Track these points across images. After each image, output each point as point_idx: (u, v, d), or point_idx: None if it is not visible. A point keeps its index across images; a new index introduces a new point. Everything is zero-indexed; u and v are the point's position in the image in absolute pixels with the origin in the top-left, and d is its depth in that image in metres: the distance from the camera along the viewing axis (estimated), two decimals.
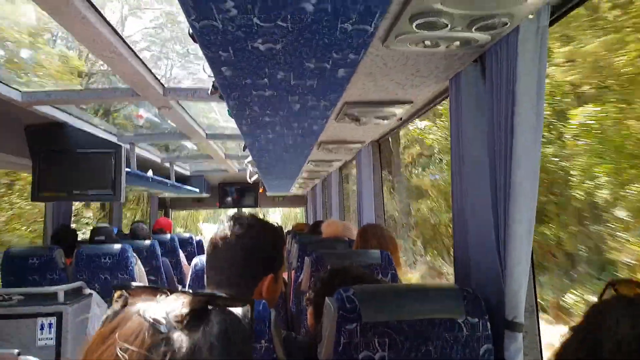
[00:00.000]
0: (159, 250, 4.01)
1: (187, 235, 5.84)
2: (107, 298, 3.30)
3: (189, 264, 5.14)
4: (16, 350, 1.81)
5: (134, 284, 0.53)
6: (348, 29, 1.02)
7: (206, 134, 3.95)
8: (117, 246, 3.44)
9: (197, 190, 6.31)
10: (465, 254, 1.42)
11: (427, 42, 1.13)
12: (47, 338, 2.82)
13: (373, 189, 2.84)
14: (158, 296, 0.51)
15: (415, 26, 1.02)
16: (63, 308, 2.84)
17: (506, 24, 1.00)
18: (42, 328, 2.82)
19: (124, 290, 0.52)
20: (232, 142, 4.51)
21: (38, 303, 2.85)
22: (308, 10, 0.95)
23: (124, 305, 0.50)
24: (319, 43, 1.12)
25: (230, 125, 4.28)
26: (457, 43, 1.14)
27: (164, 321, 0.46)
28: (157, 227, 5.16)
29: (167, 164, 5.18)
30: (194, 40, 1.37)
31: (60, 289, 2.89)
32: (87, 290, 3.17)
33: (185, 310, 0.48)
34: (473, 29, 1.03)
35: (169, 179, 5.03)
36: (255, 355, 1.04)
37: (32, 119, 2.84)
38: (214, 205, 7.41)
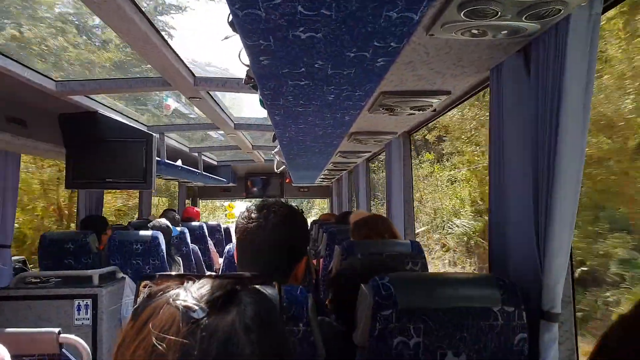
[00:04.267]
0: (188, 238, 4.09)
1: (215, 223, 5.93)
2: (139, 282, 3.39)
3: (217, 251, 5.28)
4: (57, 329, 1.87)
5: (158, 274, 0.52)
6: (393, 17, 1.01)
7: (234, 124, 3.99)
8: (148, 233, 3.53)
9: (225, 180, 6.38)
10: (502, 244, 1.41)
11: (474, 31, 1.10)
12: (83, 318, 2.93)
13: (403, 181, 2.82)
14: (185, 283, 0.51)
15: (464, 14, 1.00)
16: (98, 290, 2.95)
17: (559, 11, 0.97)
18: (78, 309, 2.93)
19: (148, 281, 0.52)
20: (260, 132, 4.54)
21: (74, 285, 2.97)
22: None
23: (151, 295, 0.50)
24: (361, 31, 1.11)
25: (257, 115, 4.31)
26: (505, 32, 1.11)
27: (196, 307, 0.46)
28: (187, 215, 5.26)
29: (195, 154, 5.25)
30: (233, 29, 1.38)
31: (96, 273, 3.00)
32: (120, 274, 3.27)
33: (217, 293, 0.49)
34: (523, 18, 1.01)
35: (197, 168, 5.10)
36: (293, 338, 1.06)
37: (66, 107, 2.91)
38: (240, 195, 7.48)
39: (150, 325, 0.46)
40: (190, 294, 0.48)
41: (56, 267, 3.44)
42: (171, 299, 0.48)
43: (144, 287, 0.51)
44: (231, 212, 14.35)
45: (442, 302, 1.17)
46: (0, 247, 2.84)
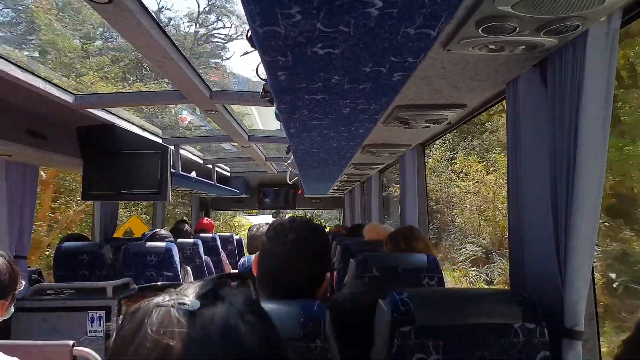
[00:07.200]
0: (202, 250, 4.10)
1: (227, 234, 5.95)
2: None
3: (230, 263, 5.28)
4: (71, 342, 1.88)
5: (138, 287, 0.55)
6: (410, 33, 1.02)
7: (248, 136, 4.01)
8: (162, 244, 3.54)
9: (238, 191, 6.41)
10: (521, 260, 1.39)
11: (492, 47, 1.11)
12: (96, 330, 2.93)
13: (417, 192, 2.81)
14: (166, 290, 0.53)
15: (482, 30, 1.00)
16: (112, 302, 2.94)
17: (577, 27, 0.97)
18: (92, 321, 2.93)
19: (127, 299, 0.54)
20: (273, 144, 4.57)
21: (88, 297, 2.97)
22: (372, 15, 0.95)
23: (136, 307, 0.51)
24: (379, 47, 1.11)
25: (270, 128, 4.34)
26: (522, 47, 1.11)
27: (189, 302, 0.49)
28: (200, 227, 5.27)
29: (209, 165, 5.29)
30: (252, 45, 1.40)
31: (109, 285, 2.99)
32: (134, 286, 3.27)
33: (205, 288, 0.52)
34: (541, 33, 1.01)
35: (211, 179, 5.13)
36: (310, 354, 1.05)
37: (83, 120, 2.96)
38: (253, 206, 7.50)
39: (148, 324, 0.47)
40: (179, 295, 0.51)
41: (70, 279, 3.46)
42: (160, 302, 0.50)
43: (125, 304, 0.54)
44: None
45: (462, 319, 1.16)
46: (18, 258, 2.87)
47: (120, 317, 0.52)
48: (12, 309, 1.40)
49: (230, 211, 14.38)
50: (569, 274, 1.16)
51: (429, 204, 10.69)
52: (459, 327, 1.16)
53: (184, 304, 0.48)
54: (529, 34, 1.02)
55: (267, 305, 1.11)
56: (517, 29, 0.98)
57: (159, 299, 0.51)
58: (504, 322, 1.16)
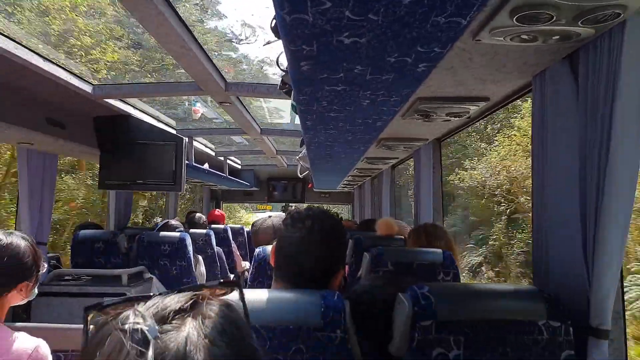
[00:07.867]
0: (214, 240, 4.13)
1: (238, 226, 5.99)
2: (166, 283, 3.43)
3: (240, 254, 5.30)
4: (91, 326, 1.90)
5: (106, 301, 0.47)
6: (440, 21, 0.99)
7: (261, 129, 4.01)
8: (176, 234, 3.56)
9: (248, 183, 6.44)
10: (546, 256, 1.37)
11: (524, 37, 1.08)
12: None
13: (432, 188, 2.79)
14: (135, 305, 0.46)
15: (516, 19, 0.98)
16: (127, 289, 2.99)
17: (617, 16, 0.94)
18: None
19: (94, 311, 0.47)
20: (284, 137, 4.57)
21: (104, 284, 3.02)
22: (404, 3, 0.93)
23: (98, 325, 0.46)
24: (407, 37, 1.09)
25: (282, 121, 4.33)
26: (557, 37, 1.08)
27: (145, 327, 0.42)
28: (211, 219, 5.30)
29: (221, 158, 5.31)
30: (276, 35, 1.39)
31: (125, 272, 3.04)
32: (148, 275, 3.31)
33: (169, 309, 0.45)
34: (579, 23, 0.98)
35: (222, 171, 5.15)
36: (330, 344, 1.05)
37: (101, 110, 2.98)
38: (262, 199, 7.54)
39: (99, 354, 0.42)
40: (140, 315, 0.44)
41: (87, 265, 3.52)
42: (119, 324, 0.44)
43: (91, 317, 0.47)
44: None
45: (484, 314, 1.14)
46: (38, 244, 2.91)
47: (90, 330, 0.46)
48: (36, 291, 1.42)
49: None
50: (597, 272, 1.14)
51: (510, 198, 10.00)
52: (481, 323, 1.14)
53: (139, 330, 0.42)
54: (565, 23, 0.99)
55: (287, 295, 1.13)
56: (554, 17, 0.95)
57: (120, 318, 0.44)
58: (527, 319, 1.14)
